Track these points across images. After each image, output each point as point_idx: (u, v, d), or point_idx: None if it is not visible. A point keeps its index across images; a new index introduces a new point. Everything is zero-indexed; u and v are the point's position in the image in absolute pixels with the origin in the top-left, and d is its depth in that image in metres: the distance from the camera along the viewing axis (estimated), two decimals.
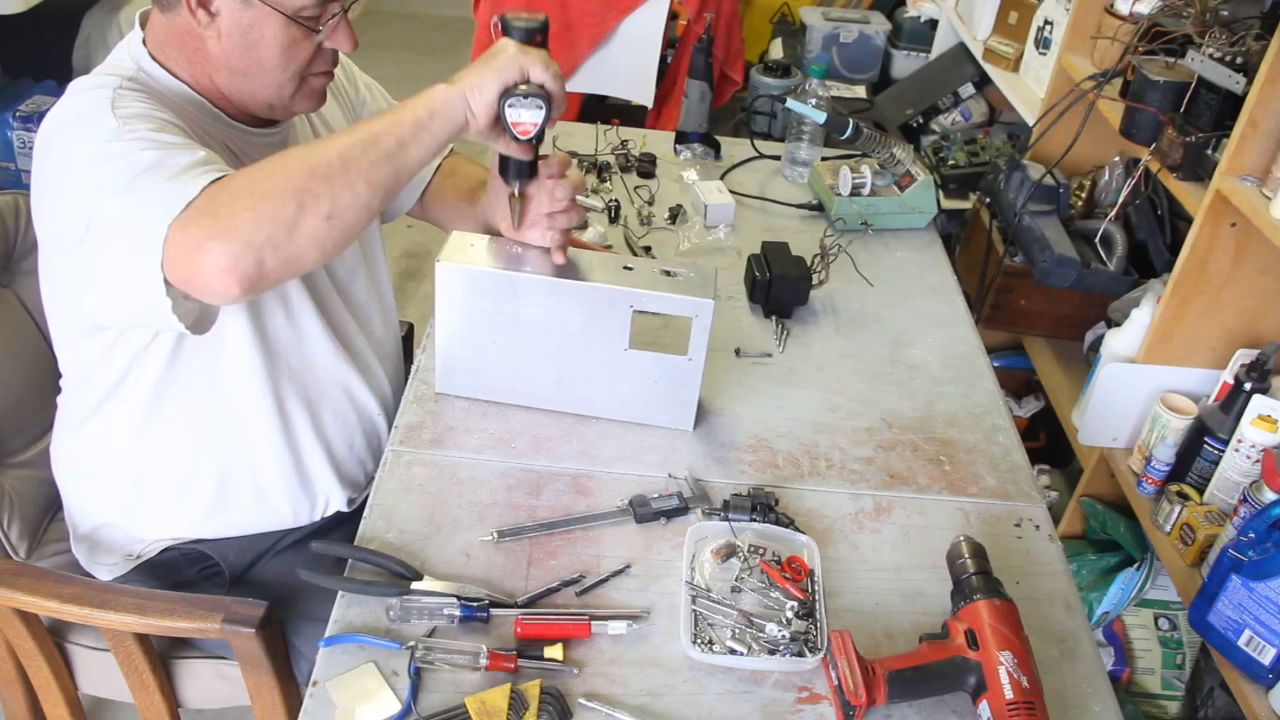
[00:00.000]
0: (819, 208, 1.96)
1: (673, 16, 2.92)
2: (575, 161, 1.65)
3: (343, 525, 1.45)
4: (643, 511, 1.25)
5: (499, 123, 1.15)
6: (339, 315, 1.40)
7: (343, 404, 1.41)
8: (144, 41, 1.21)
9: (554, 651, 1.08)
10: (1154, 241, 2.12)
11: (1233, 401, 1.65)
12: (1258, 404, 1.59)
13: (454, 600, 1.10)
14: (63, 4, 3.35)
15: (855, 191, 1.90)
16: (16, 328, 1.48)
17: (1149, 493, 1.78)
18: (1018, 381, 2.50)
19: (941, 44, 3.24)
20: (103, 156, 1.05)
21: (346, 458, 1.44)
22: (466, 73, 1.12)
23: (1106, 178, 2.20)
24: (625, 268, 1.32)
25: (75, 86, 1.18)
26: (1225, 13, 1.78)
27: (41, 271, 1.26)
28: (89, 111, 1.11)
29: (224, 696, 1.42)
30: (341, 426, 1.42)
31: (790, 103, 1.88)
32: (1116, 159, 2.19)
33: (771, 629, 1.10)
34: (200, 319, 1.09)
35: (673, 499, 1.27)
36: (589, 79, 2.98)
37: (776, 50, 3.64)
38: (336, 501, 1.44)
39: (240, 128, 1.25)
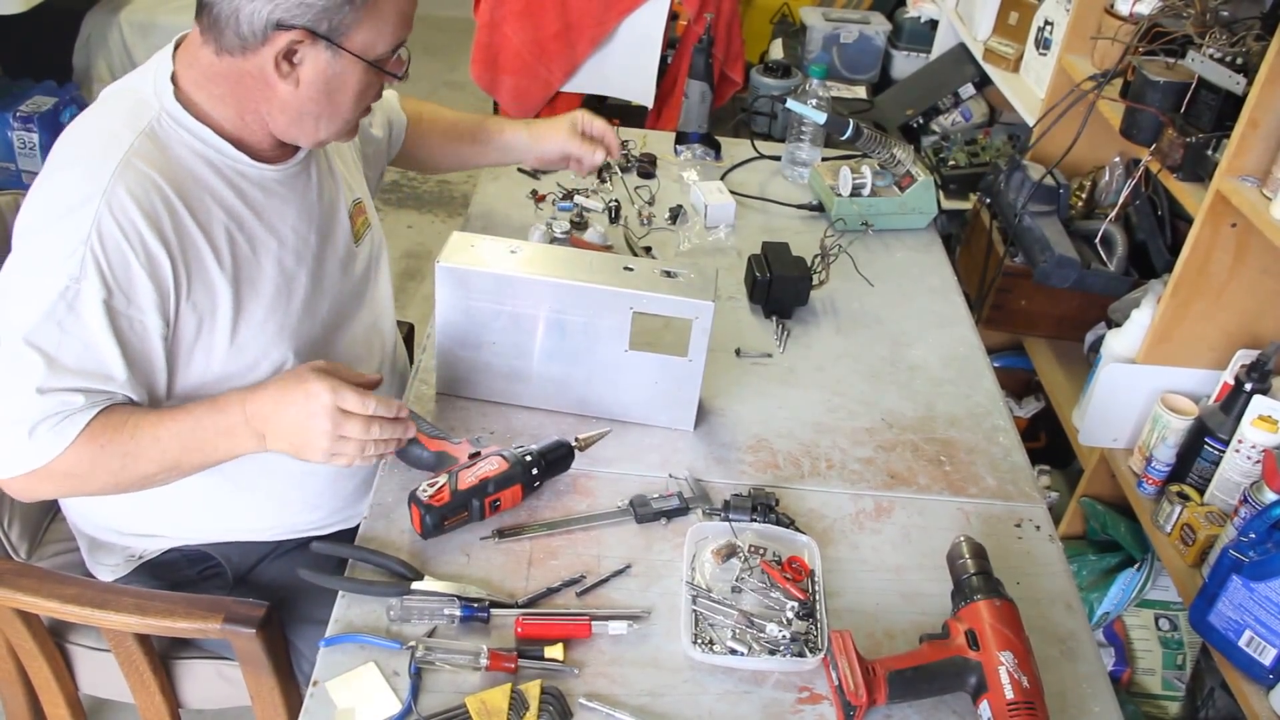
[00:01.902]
0: (819, 208, 1.96)
1: (673, 17, 2.92)
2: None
3: (345, 529, 1.45)
4: (643, 511, 1.25)
5: None
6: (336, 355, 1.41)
7: None
8: (173, 77, 1.19)
9: (554, 651, 1.08)
10: (1154, 242, 2.12)
11: (1233, 402, 1.65)
12: (1258, 404, 1.59)
13: (454, 600, 1.10)
14: (63, 4, 3.36)
15: (855, 192, 1.90)
16: None
17: (1149, 493, 1.78)
18: (1018, 382, 2.49)
19: (941, 44, 3.23)
20: (38, 307, 1.10)
21: (355, 470, 1.43)
22: (276, 430, 1.16)
23: (1107, 178, 2.20)
24: (626, 268, 1.32)
25: (96, 115, 1.20)
26: (1225, 13, 1.78)
27: None
28: (75, 204, 1.11)
29: (224, 696, 1.42)
30: None
31: (790, 103, 1.88)
32: (1117, 159, 2.19)
33: (772, 629, 1.10)
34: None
35: (673, 499, 1.27)
36: (589, 79, 2.98)
37: (777, 50, 3.64)
38: (345, 518, 1.44)
39: (258, 165, 1.24)
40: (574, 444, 1.28)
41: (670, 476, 1.32)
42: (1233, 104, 1.64)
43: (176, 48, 1.22)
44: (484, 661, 1.05)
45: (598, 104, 3.09)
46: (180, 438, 1.15)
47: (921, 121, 3.07)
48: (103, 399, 1.14)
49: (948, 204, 2.50)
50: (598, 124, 1.74)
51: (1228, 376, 1.71)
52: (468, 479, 1.19)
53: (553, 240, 1.74)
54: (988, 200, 2.27)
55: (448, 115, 1.75)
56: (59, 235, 1.10)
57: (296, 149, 1.29)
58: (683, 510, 1.26)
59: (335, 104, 1.19)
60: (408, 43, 1.23)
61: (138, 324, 1.14)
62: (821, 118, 1.84)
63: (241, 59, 1.14)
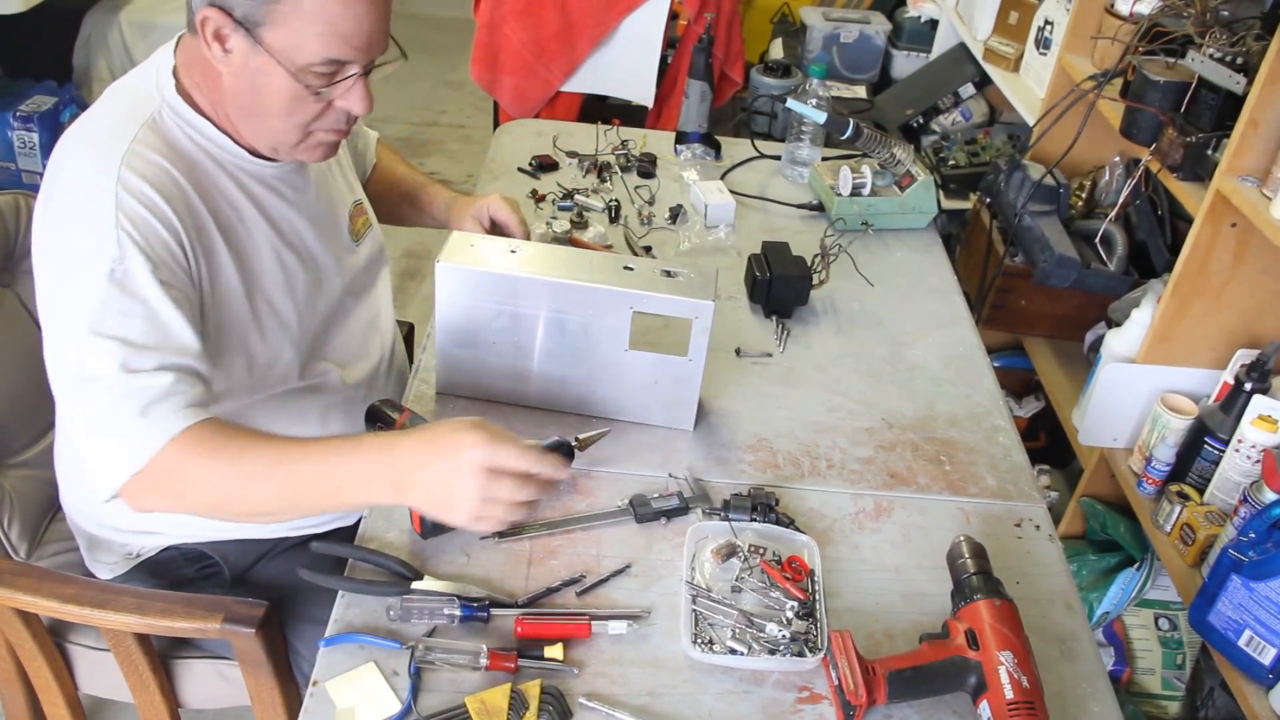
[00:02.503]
0: (819, 208, 1.96)
1: (673, 16, 2.92)
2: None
3: (344, 526, 1.45)
4: (643, 511, 1.25)
5: None
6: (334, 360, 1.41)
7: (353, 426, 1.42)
8: (174, 70, 1.20)
9: (554, 651, 1.08)
10: (1154, 242, 2.12)
11: (1233, 402, 1.65)
12: (1258, 404, 1.59)
13: (454, 600, 1.10)
14: (63, 4, 3.35)
15: (855, 191, 1.90)
16: (16, 328, 1.49)
17: (1149, 493, 1.78)
18: (1018, 381, 2.49)
19: (942, 44, 3.23)
20: (94, 300, 1.07)
21: None
22: (418, 482, 1.06)
23: (1107, 178, 2.20)
24: (626, 268, 1.32)
25: (97, 113, 1.18)
26: (1225, 13, 1.78)
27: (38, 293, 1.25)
28: (93, 192, 1.09)
29: (224, 696, 1.42)
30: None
31: (790, 103, 1.88)
32: (1117, 159, 2.19)
33: (772, 629, 1.10)
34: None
35: (673, 499, 1.27)
36: (589, 79, 2.98)
37: (777, 50, 3.64)
38: (344, 516, 1.44)
39: (255, 160, 1.24)
40: (574, 444, 1.28)
41: (670, 476, 1.31)
42: (1233, 104, 1.64)
43: (179, 44, 1.23)
44: (484, 661, 1.05)
45: (598, 104, 3.09)
46: (306, 469, 1.08)
47: (921, 121, 3.06)
48: (189, 377, 1.10)
49: (948, 204, 2.50)
50: (501, 213, 1.58)
51: (1227, 376, 1.71)
52: None
53: (553, 240, 1.74)
54: (988, 200, 2.27)
55: (400, 170, 1.68)
56: (86, 227, 1.09)
57: None
58: (682, 510, 1.26)
59: (263, 105, 1.15)
60: (404, 42, 1.21)
61: (182, 295, 1.13)
62: (821, 117, 1.84)
63: (197, 40, 1.14)
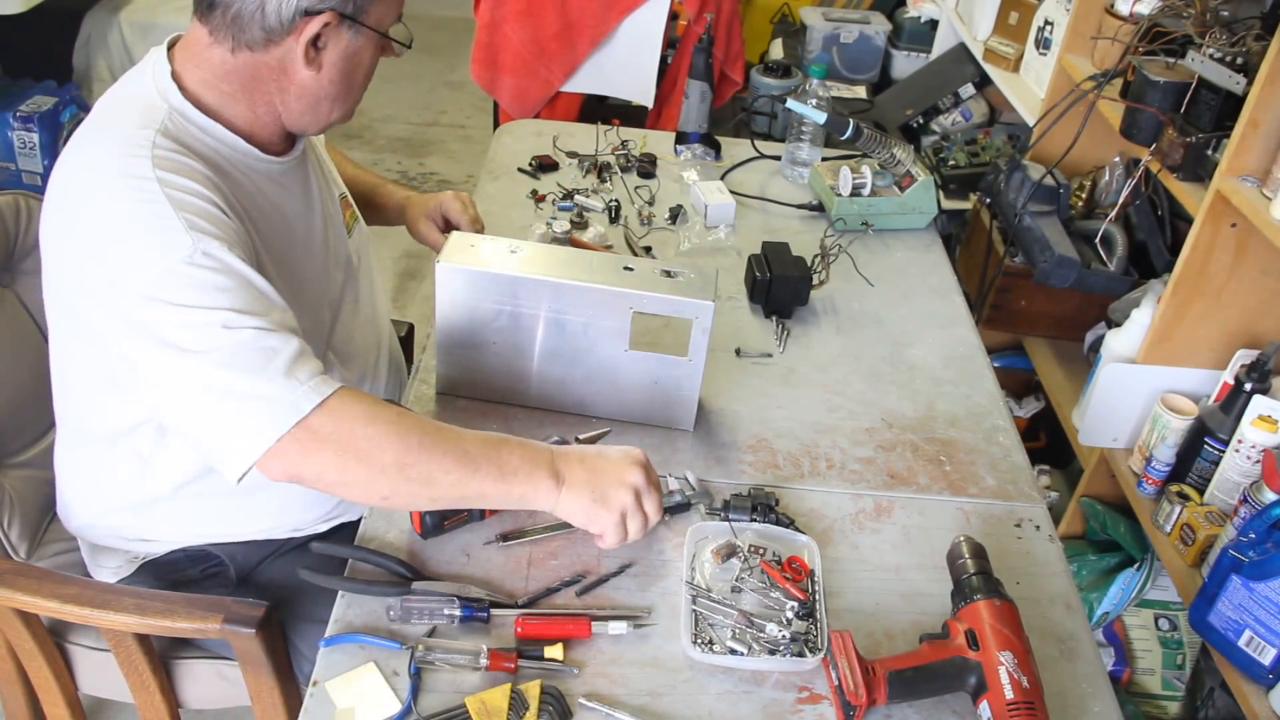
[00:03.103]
0: (819, 208, 1.96)
1: (673, 16, 2.92)
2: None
3: (344, 525, 1.45)
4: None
5: None
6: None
7: None
8: (173, 76, 1.19)
9: (554, 651, 1.08)
10: (1154, 242, 2.12)
11: (1233, 402, 1.65)
12: (1258, 404, 1.59)
13: (454, 600, 1.10)
14: (63, 4, 3.35)
15: (855, 192, 1.90)
16: (16, 328, 1.48)
17: (1149, 493, 1.78)
18: (1018, 382, 2.50)
19: (941, 44, 3.23)
20: (185, 287, 1.04)
21: None
22: (582, 474, 1.14)
23: (1107, 178, 2.20)
24: (625, 268, 1.32)
25: (102, 126, 1.17)
26: (1225, 13, 1.78)
27: (52, 293, 1.23)
28: (138, 195, 1.07)
29: (224, 696, 1.42)
30: None
31: (790, 103, 1.88)
32: (1117, 159, 2.19)
33: (772, 629, 1.10)
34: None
35: (674, 497, 1.27)
36: (589, 79, 2.98)
37: (777, 50, 3.64)
38: (343, 514, 1.44)
39: (265, 159, 1.24)
40: (574, 444, 1.28)
41: (670, 476, 1.31)
42: (1233, 104, 1.64)
43: (169, 51, 1.22)
44: (484, 661, 1.05)
45: (598, 104, 3.09)
46: (478, 446, 1.11)
47: (921, 121, 3.07)
48: (305, 343, 1.09)
49: (948, 204, 2.50)
50: (453, 210, 1.62)
51: (1227, 376, 1.71)
52: None
53: (553, 240, 1.74)
54: (988, 200, 2.27)
55: (347, 172, 1.65)
56: (148, 228, 1.06)
57: (294, 141, 1.30)
58: (684, 507, 1.27)
59: (351, 84, 1.22)
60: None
61: (257, 269, 1.12)
62: (821, 118, 1.84)
63: (263, 52, 1.15)
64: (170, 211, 1.06)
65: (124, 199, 1.08)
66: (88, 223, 1.10)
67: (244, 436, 1.04)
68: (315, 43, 1.15)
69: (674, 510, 1.26)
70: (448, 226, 1.64)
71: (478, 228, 1.63)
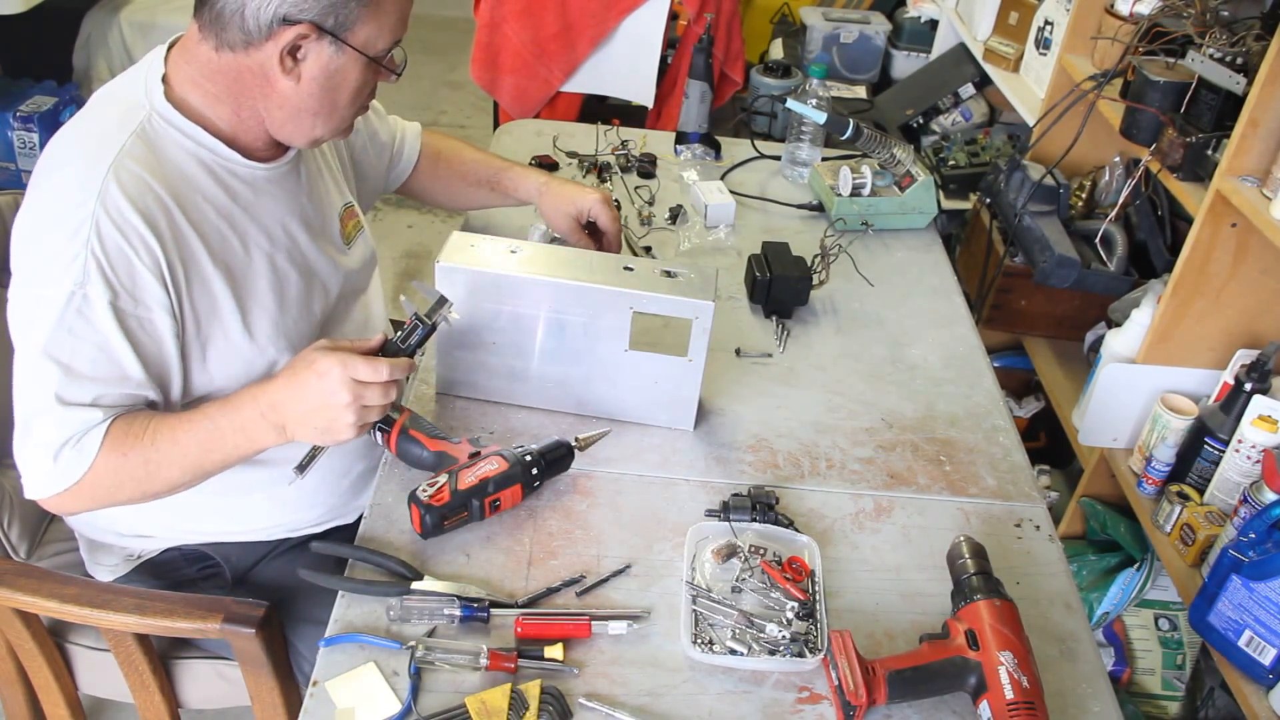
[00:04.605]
0: (819, 208, 1.96)
1: (673, 16, 2.92)
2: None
3: (343, 525, 1.45)
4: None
5: None
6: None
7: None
8: (164, 78, 1.20)
9: (554, 651, 1.08)
10: (1154, 242, 2.12)
11: (1233, 402, 1.65)
12: (1258, 404, 1.59)
13: (454, 600, 1.10)
14: (63, 4, 3.36)
15: (855, 192, 1.90)
16: None
17: (1149, 493, 1.78)
18: (1018, 381, 2.50)
19: (941, 44, 3.23)
20: (50, 317, 1.11)
21: (351, 467, 1.43)
22: (298, 418, 1.15)
23: (1107, 178, 2.20)
24: (626, 268, 1.32)
25: (83, 123, 1.20)
26: (1225, 13, 1.78)
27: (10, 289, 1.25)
28: (73, 206, 1.11)
29: (224, 696, 1.42)
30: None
31: (790, 103, 1.88)
32: (1117, 159, 2.19)
33: (772, 629, 1.10)
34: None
35: (414, 334, 1.22)
36: (589, 79, 2.98)
37: (777, 50, 3.64)
38: (343, 514, 1.44)
39: (249, 164, 1.24)
40: (574, 444, 1.28)
41: (402, 299, 1.27)
42: (1233, 104, 1.64)
43: (169, 50, 1.22)
44: (484, 661, 1.05)
45: (598, 104, 3.09)
46: (198, 440, 1.15)
47: (921, 121, 3.07)
48: (123, 405, 1.15)
49: (948, 204, 2.50)
50: (604, 217, 1.61)
51: (1227, 376, 1.71)
52: (468, 479, 1.19)
53: (553, 240, 1.74)
54: (988, 200, 2.27)
55: (467, 157, 1.72)
56: (59, 243, 1.11)
57: (288, 147, 1.29)
58: (430, 329, 1.22)
59: (334, 101, 1.20)
60: (403, 43, 1.23)
61: (147, 323, 1.14)
62: (821, 118, 1.84)
63: (244, 54, 1.14)
64: (85, 234, 1.10)
65: (61, 203, 1.12)
66: (32, 207, 1.15)
67: (31, 481, 1.16)
68: (295, 54, 1.14)
69: (422, 342, 1.23)
70: (593, 229, 1.63)
71: (619, 244, 1.64)
